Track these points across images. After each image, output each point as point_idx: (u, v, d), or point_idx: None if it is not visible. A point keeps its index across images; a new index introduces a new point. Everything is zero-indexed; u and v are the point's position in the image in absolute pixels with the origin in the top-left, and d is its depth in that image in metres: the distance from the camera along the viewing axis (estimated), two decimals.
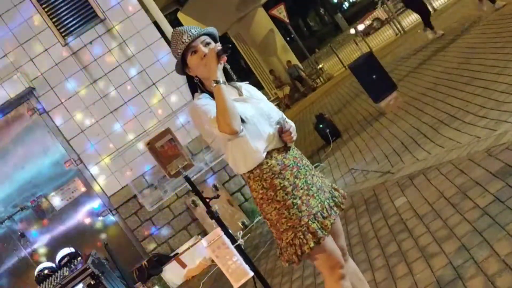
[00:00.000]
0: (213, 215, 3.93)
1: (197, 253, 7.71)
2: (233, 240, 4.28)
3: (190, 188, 4.02)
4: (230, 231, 4.25)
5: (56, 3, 8.16)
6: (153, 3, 8.75)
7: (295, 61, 23.09)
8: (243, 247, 4.71)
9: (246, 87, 2.86)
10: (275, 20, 22.38)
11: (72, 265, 6.34)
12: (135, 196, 8.20)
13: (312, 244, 2.60)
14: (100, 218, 8.25)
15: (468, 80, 7.01)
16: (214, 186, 8.21)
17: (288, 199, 2.63)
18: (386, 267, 3.99)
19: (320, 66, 22.89)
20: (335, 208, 2.75)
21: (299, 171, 2.70)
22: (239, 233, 7.85)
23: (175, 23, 21.90)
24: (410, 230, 4.27)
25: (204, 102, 2.64)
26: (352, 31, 30.94)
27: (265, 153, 2.66)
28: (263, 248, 6.63)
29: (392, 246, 4.20)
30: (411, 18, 18.95)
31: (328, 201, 2.75)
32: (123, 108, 8.25)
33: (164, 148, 3.85)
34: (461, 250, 3.47)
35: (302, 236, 2.61)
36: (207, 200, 3.90)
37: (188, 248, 7.78)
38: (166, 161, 3.85)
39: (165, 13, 10.26)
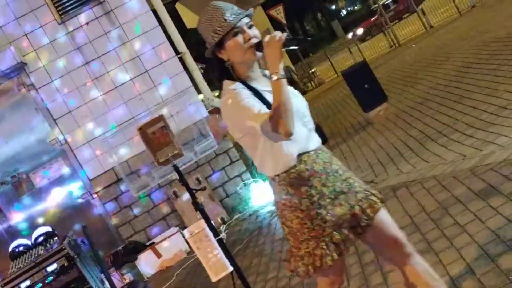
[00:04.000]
0: (198, 206, 3.93)
1: (173, 244, 7.71)
2: (215, 233, 4.29)
3: (174, 178, 4.02)
4: (214, 225, 4.26)
5: None
6: None
7: (288, 63, 23.11)
8: (225, 242, 4.72)
9: None
10: (272, 20, 22.38)
11: (48, 244, 6.30)
12: (116, 181, 8.18)
13: (335, 257, 2.42)
14: (80, 200, 8.21)
15: (458, 98, 7.07)
16: (197, 179, 8.21)
17: (313, 208, 2.42)
18: (362, 275, 4.03)
19: (313, 70, 22.94)
20: (368, 210, 2.48)
21: (327, 177, 2.47)
22: (222, 227, 7.86)
23: (172, 13, 21.79)
24: None
25: (244, 94, 2.37)
26: (350, 35, 31.10)
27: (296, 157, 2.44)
28: (240, 245, 6.65)
29: (368, 255, 4.23)
30: (407, 31, 19.07)
31: (360, 203, 2.49)
32: (113, 93, 8.22)
33: (155, 135, 3.84)
34: (438, 265, 3.50)
35: (325, 247, 2.42)
36: (193, 191, 3.90)
37: (165, 239, 7.78)
38: (156, 148, 3.83)
39: (163, 2, 10.18)
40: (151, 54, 8.31)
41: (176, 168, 3.93)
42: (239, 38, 2.42)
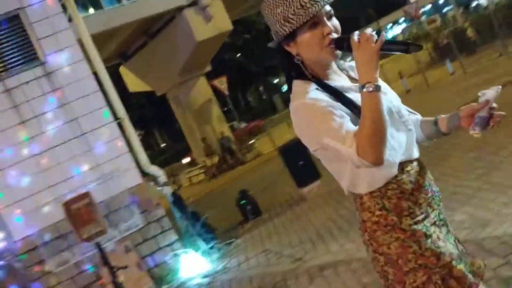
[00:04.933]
0: (117, 286, 3.86)
1: None
2: None
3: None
4: None
5: None
6: (96, 53, 8.78)
7: (228, 132, 23.39)
8: None
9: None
10: (215, 90, 22.78)
11: None
12: (40, 246, 7.91)
13: None
14: (1, 262, 7.86)
15: None
16: (126, 247, 8.04)
17: (418, 229, 1.89)
18: None
19: (252, 141, 23.27)
20: (473, 268, 1.95)
21: (433, 198, 1.97)
22: None
23: (115, 75, 21.88)
24: None
25: (321, 101, 1.84)
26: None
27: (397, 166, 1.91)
28: None
29: None
30: None
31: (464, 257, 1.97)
32: (48, 154, 8.07)
33: (80, 211, 3.79)
34: None
35: (440, 282, 1.85)
36: (115, 269, 3.84)
37: None
38: (80, 224, 3.78)
39: (107, 65, 10.28)
40: (89, 117, 8.26)
41: (98, 246, 3.87)
42: (317, 31, 1.89)
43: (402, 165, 1.91)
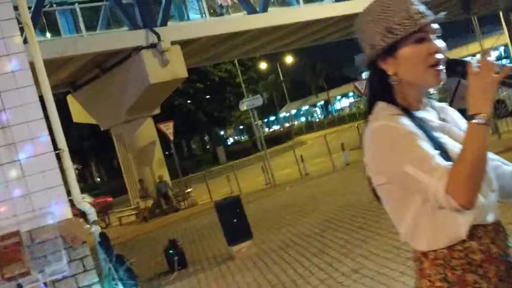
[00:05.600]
0: None
1: None
2: None
3: None
4: None
5: None
6: (46, 79, 8.66)
7: (166, 177, 23.19)
8: None
9: (447, 111, 1.85)
10: (160, 133, 22.69)
11: None
12: None
13: None
14: None
15: (317, 251, 7.41)
16: (45, 284, 7.75)
17: None
18: None
19: (189, 190, 23.11)
20: None
21: (508, 271, 1.66)
22: None
23: (61, 103, 21.53)
24: None
25: (408, 128, 1.63)
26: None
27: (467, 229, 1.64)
28: None
29: None
30: (285, 172, 19.97)
31: None
32: None
33: (6, 249, 3.67)
34: None
35: None
36: None
37: None
38: (4, 262, 3.65)
39: (54, 92, 10.17)
40: (28, 144, 8.08)
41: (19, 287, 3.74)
42: (423, 47, 1.67)
43: (474, 230, 1.63)
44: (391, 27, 1.67)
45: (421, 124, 1.67)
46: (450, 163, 1.55)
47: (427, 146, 1.59)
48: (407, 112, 1.69)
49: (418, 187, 1.58)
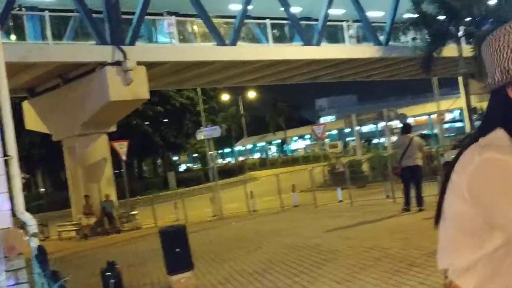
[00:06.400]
0: None
1: None
2: None
3: None
4: None
5: None
6: (6, 83, 8.49)
7: (113, 197, 22.82)
8: None
9: None
10: (113, 151, 22.41)
11: None
12: None
13: None
14: None
15: None
16: None
17: None
18: None
19: (134, 212, 22.78)
20: None
21: None
22: None
23: (17, 107, 21.08)
24: None
25: None
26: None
27: None
28: None
29: None
30: (233, 206, 19.93)
31: None
32: None
33: None
34: None
35: None
36: None
37: None
38: None
39: (11, 96, 9.87)
40: None
41: None
42: None
43: None
44: None
45: None
46: None
47: None
48: None
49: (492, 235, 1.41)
